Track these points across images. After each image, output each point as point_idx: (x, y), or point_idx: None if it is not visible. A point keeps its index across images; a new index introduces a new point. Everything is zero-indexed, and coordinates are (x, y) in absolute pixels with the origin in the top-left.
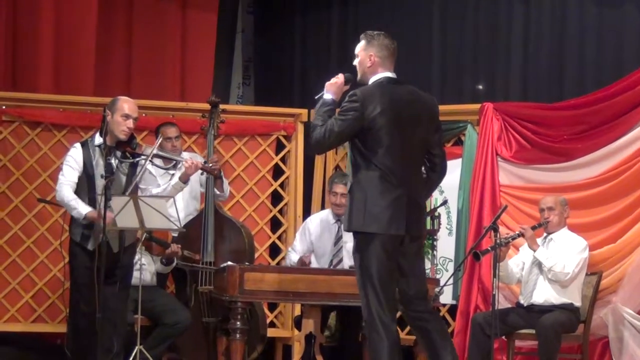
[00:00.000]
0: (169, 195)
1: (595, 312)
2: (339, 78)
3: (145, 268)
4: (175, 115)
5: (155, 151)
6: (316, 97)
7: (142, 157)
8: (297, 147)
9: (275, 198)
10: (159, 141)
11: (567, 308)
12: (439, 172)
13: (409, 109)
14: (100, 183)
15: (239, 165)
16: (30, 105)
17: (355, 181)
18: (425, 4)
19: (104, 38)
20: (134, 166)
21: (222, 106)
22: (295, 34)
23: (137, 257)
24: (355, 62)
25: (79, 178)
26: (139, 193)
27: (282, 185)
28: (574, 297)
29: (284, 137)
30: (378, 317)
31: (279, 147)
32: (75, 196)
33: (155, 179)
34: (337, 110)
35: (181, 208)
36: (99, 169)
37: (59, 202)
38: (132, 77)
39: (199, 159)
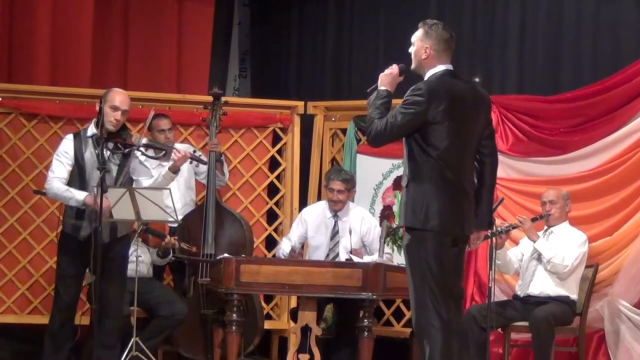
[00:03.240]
0: (161, 187)
1: (591, 305)
2: (394, 69)
3: (141, 260)
4: (171, 107)
5: (144, 141)
6: (369, 90)
7: (134, 147)
8: (293, 140)
9: (272, 190)
10: (147, 127)
11: (563, 300)
12: (492, 164)
13: (470, 105)
14: (92, 174)
15: (235, 158)
16: (26, 97)
17: (413, 176)
18: None
19: (101, 30)
20: (126, 157)
21: (223, 98)
22: (291, 26)
23: (132, 248)
24: (411, 50)
25: (71, 169)
26: (133, 185)
27: (278, 178)
28: (571, 289)
29: (281, 129)
30: (434, 309)
31: (276, 139)
32: (66, 187)
33: (149, 170)
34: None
35: (177, 199)
36: (91, 160)
37: (53, 197)
38: (129, 69)
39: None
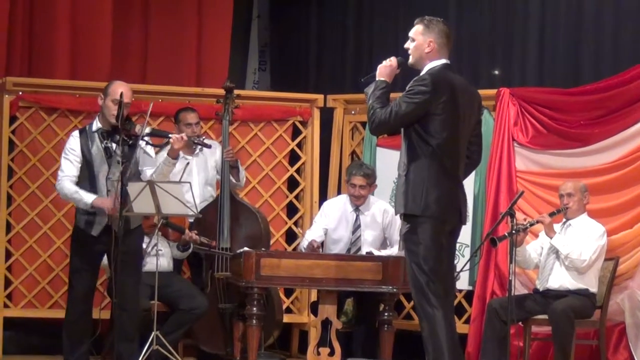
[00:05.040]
0: (164, 178)
1: (611, 298)
2: (392, 61)
3: (162, 254)
4: (191, 100)
5: (147, 130)
6: (362, 80)
7: (140, 138)
8: (313, 133)
9: (292, 184)
10: (148, 117)
11: (582, 294)
12: (476, 160)
13: (467, 100)
14: (100, 169)
15: (255, 151)
16: (46, 91)
17: (412, 165)
18: None
19: (120, 24)
20: (131, 148)
21: (236, 91)
22: (311, 19)
23: (153, 242)
24: (409, 45)
25: (80, 165)
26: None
27: (298, 171)
28: (590, 283)
29: (300, 122)
30: (432, 292)
31: (295, 132)
32: (76, 188)
33: (154, 159)
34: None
35: (197, 194)
36: (99, 154)
37: (63, 198)
38: (148, 62)
39: (217, 149)
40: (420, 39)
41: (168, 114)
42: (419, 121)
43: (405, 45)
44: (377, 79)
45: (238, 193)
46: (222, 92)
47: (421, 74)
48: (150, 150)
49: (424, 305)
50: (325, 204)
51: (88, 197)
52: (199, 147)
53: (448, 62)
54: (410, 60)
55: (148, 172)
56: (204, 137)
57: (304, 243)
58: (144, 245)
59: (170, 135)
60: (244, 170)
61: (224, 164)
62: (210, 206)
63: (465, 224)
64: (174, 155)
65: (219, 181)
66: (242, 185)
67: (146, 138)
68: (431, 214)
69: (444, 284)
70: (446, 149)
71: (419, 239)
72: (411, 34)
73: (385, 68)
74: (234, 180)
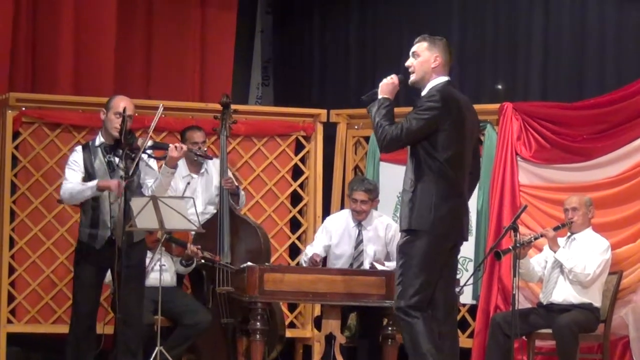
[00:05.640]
0: (163, 189)
1: (615, 312)
2: (394, 79)
3: (165, 269)
4: (194, 116)
5: (149, 143)
6: (363, 97)
7: (143, 152)
8: (316, 148)
9: (295, 199)
10: (152, 129)
11: (586, 308)
12: (477, 176)
13: (471, 115)
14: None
15: (258, 166)
16: (49, 107)
17: (420, 181)
18: (444, 3)
19: (124, 39)
20: (134, 161)
21: (235, 106)
22: (314, 34)
23: (157, 257)
24: (412, 62)
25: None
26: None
27: (301, 186)
28: (594, 297)
29: (304, 137)
30: (417, 305)
31: (298, 147)
32: (77, 181)
33: (156, 171)
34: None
35: (200, 211)
36: (102, 168)
37: (69, 199)
38: (152, 78)
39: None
40: (427, 54)
41: (171, 129)
42: (428, 137)
43: (407, 63)
44: (379, 96)
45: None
46: None
47: (426, 90)
48: (152, 163)
49: (404, 317)
50: (327, 219)
51: (91, 183)
52: (205, 168)
53: (449, 79)
54: (413, 77)
55: (149, 182)
56: (206, 150)
57: (304, 257)
58: (147, 261)
59: (169, 145)
60: (244, 194)
61: (222, 198)
62: (210, 221)
63: (467, 239)
64: (171, 165)
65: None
66: (242, 207)
67: (149, 151)
68: (436, 230)
69: (427, 298)
70: (453, 164)
71: (415, 252)
72: (415, 50)
73: (388, 86)
74: (234, 204)
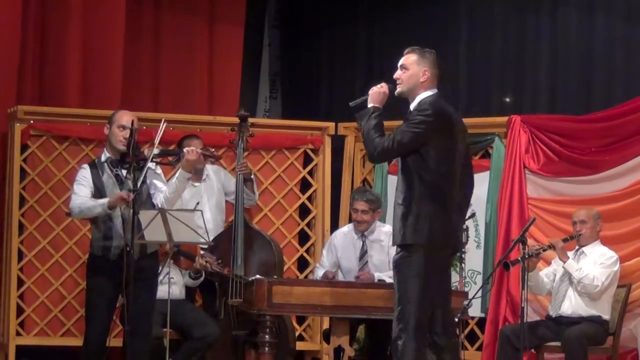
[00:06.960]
0: (178, 195)
1: (624, 325)
2: (384, 87)
3: (173, 281)
4: (202, 129)
5: (156, 151)
6: (352, 104)
7: (150, 161)
8: (324, 160)
9: (303, 211)
10: (158, 140)
11: (595, 320)
12: (470, 188)
13: (460, 127)
14: (112, 195)
15: (266, 179)
16: (58, 120)
17: (412, 193)
18: (452, 16)
19: (132, 52)
20: (141, 172)
21: (251, 120)
22: (321, 48)
23: (166, 270)
24: (401, 75)
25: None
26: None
27: (309, 199)
28: (603, 309)
29: (312, 150)
30: (416, 326)
31: (307, 160)
32: (87, 198)
33: (162, 176)
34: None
35: (209, 219)
36: (110, 182)
37: (79, 215)
38: (160, 91)
39: (221, 171)
40: (416, 68)
41: None
42: (419, 150)
43: (395, 75)
44: (369, 104)
45: (252, 220)
46: (233, 120)
47: (415, 103)
48: (160, 170)
49: (400, 333)
50: (332, 236)
51: (101, 201)
52: (206, 174)
53: (438, 92)
54: (400, 89)
55: (161, 187)
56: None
57: (318, 273)
58: None
59: (184, 150)
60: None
61: (238, 187)
62: (224, 234)
63: (460, 251)
64: (188, 169)
65: (231, 203)
66: (255, 201)
67: (156, 159)
68: (432, 243)
69: (424, 316)
70: (446, 177)
71: (411, 268)
72: (403, 62)
73: (379, 94)
74: (248, 192)
